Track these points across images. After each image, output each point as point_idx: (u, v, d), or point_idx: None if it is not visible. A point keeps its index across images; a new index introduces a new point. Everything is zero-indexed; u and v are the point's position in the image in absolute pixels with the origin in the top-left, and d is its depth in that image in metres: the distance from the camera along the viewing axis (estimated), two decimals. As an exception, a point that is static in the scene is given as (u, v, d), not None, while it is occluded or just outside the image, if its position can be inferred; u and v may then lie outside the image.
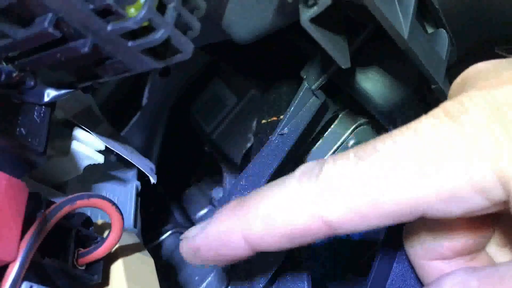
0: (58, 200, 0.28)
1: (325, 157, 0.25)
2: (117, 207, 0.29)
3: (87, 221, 0.31)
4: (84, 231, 0.30)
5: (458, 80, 0.26)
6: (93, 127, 0.36)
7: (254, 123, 0.51)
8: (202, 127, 0.56)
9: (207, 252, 0.26)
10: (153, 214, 0.51)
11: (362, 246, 0.45)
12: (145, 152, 0.53)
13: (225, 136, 0.54)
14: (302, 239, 0.24)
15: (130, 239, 0.34)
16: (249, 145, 0.52)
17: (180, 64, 0.56)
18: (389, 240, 0.32)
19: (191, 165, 0.61)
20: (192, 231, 0.27)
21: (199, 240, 0.26)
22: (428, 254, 0.27)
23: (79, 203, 0.28)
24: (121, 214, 0.29)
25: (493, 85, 0.22)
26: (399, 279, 0.33)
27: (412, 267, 0.30)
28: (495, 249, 0.28)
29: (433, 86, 0.30)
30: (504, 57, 0.33)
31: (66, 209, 0.27)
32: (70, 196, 0.28)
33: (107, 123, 0.39)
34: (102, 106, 0.51)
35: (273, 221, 0.24)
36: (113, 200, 0.36)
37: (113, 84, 0.53)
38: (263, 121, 0.44)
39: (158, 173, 0.42)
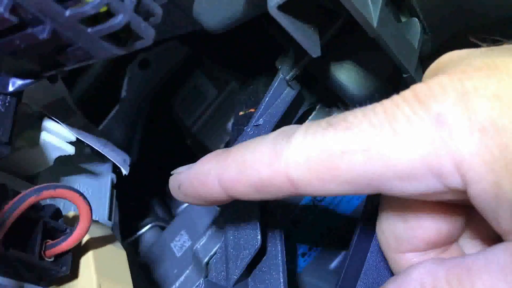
0: (26, 192, 0.27)
1: None
2: (84, 198, 0.29)
3: (57, 213, 0.31)
4: (53, 222, 0.29)
5: (433, 66, 0.26)
6: (65, 118, 0.35)
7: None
8: (183, 120, 0.56)
9: (188, 188, 0.29)
10: (133, 208, 0.51)
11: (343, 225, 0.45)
12: (125, 146, 0.53)
13: (205, 129, 0.54)
14: (268, 191, 0.26)
15: (103, 231, 0.34)
16: (228, 137, 0.51)
17: (160, 56, 0.56)
18: (363, 230, 0.32)
19: (173, 159, 0.60)
20: (180, 169, 0.30)
21: (182, 176, 0.29)
22: (400, 245, 0.27)
23: (45, 193, 0.27)
24: (89, 205, 0.29)
25: (463, 72, 0.22)
26: (373, 271, 0.33)
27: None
28: (466, 242, 0.28)
29: (404, 75, 0.30)
30: (478, 45, 0.33)
31: (30, 200, 0.27)
32: (35, 187, 0.27)
33: (81, 115, 0.39)
34: (80, 99, 0.50)
35: (244, 168, 0.26)
36: (85, 192, 0.36)
37: (92, 77, 0.52)
38: (241, 112, 0.44)
39: (138, 167, 0.41)
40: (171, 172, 0.31)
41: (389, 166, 0.22)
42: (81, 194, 0.29)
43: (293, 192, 0.25)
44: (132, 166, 0.42)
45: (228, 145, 0.51)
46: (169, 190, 0.54)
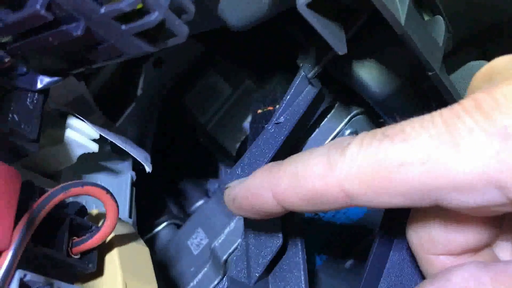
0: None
1: None
2: (111, 195, 0.29)
3: (82, 210, 0.31)
4: (79, 219, 0.30)
5: (483, 70, 0.25)
6: (86, 116, 0.35)
7: (249, 114, 0.50)
8: (197, 118, 0.56)
9: (242, 202, 0.29)
10: (148, 206, 0.51)
11: (361, 231, 0.45)
12: (139, 144, 0.52)
13: (220, 127, 0.54)
14: (322, 203, 0.25)
15: (125, 228, 0.34)
16: (244, 136, 0.51)
17: (174, 54, 0.55)
18: (386, 228, 0.32)
19: (186, 157, 0.60)
20: (234, 182, 0.30)
21: (237, 189, 0.29)
22: (435, 247, 0.27)
23: (73, 190, 0.27)
24: (116, 202, 0.29)
25: None
26: (396, 268, 0.33)
27: (411, 257, 0.30)
28: (500, 246, 0.28)
29: (429, 73, 0.30)
30: None
31: (59, 197, 0.27)
32: (63, 184, 0.27)
33: (100, 112, 0.39)
34: (96, 97, 0.50)
35: (298, 180, 0.26)
36: (107, 189, 0.36)
37: (107, 75, 0.52)
38: (259, 111, 0.44)
39: (153, 165, 0.41)
40: (225, 186, 0.31)
41: (448, 178, 0.21)
42: (108, 191, 0.29)
43: (347, 204, 0.25)
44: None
45: (244, 143, 0.51)
46: (183, 188, 0.55)
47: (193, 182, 0.57)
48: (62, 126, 0.33)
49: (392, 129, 0.23)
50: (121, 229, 0.33)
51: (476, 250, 0.27)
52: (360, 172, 0.23)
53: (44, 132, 0.33)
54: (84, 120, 0.34)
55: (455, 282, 0.23)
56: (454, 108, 0.22)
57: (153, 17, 0.22)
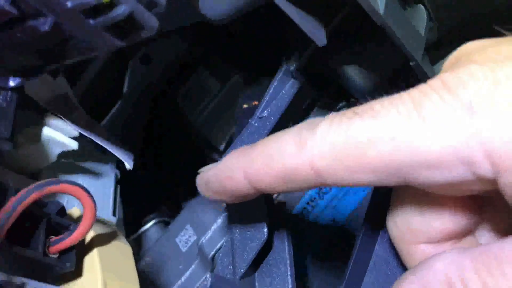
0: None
1: None
2: (88, 192, 0.28)
3: (61, 210, 0.30)
4: (57, 218, 0.29)
5: (455, 53, 0.26)
6: (67, 114, 0.35)
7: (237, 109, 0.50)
8: (187, 115, 0.55)
9: (215, 184, 0.29)
10: (136, 204, 0.51)
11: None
12: (128, 142, 0.52)
13: (208, 123, 0.53)
14: (294, 182, 0.25)
15: (107, 227, 0.33)
16: (232, 131, 0.51)
17: (161, 50, 0.55)
18: (370, 221, 0.32)
19: (176, 154, 0.60)
20: (207, 167, 0.30)
21: (210, 173, 0.29)
22: (415, 236, 0.27)
23: (48, 188, 0.27)
24: (93, 200, 0.28)
25: (493, 60, 0.22)
26: (382, 261, 0.33)
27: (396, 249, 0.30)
28: (482, 233, 0.27)
29: (411, 63, 0.29)
30: (502, 34, 0.32)
31: (34, 196, 0.26)
32: (38, 183, 0.27)
33: (83, 111, 0.38)
34: (83, 95, 0.50)
35: (269, 160, 0.26)
36: (89, 188, 0.36)
37: (93, 73, 0.52)
38: (245, 105, 0.43)
39: (141, 162, 0.41)
40: (198, 171, 0.31)
41: (417, 155, 0.22)
42: (85, 189, 0.28)
43: (319, 182, 0.25)
44: (135, 162, 0.42)
45: (232, 138, 0.50)
46: (174, 186, 0.54)
47: (182, 179, 0.57)
48: (40, 124, 0.33)
49: (362, 107, 0.24)
50: (102, 228, 0.32)
51: (457, 237, 0.27)
52: (330, 149, 0.24)
53: (22, 131, 0.33)
54: (64, 118, 0.33)
55: (437, 268, 0.23)
56: (422, 87, 0.23)
57: (121, 10, 0.21)
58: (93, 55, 0.25)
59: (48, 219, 0.29)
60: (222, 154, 0.52)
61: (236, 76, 0.54)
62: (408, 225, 0.27)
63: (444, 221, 0.26)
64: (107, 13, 0.22)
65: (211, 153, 0.54)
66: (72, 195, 0.28)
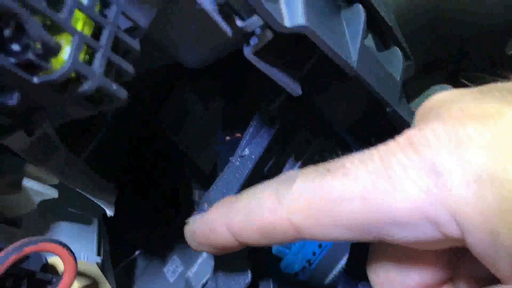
0: (11, 238, 0.27)
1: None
2: (68, 249, 0.28)
3: (43, 266, 0.30)
4: (39, 274, 0.29)
5: (424, 106, 0.26)
6: (47, 156, 0.35)
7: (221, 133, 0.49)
8: (170, 137, 0.55)
9: (200, 236, 0.29)
10: (124, 232, 0.51)
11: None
12: (107, 172, 0.52)
13: (192, 147, 0.53)
14: (274, 237, 0.26)
15: (90, 278, 0.33)
16: (216, 157, 0.51)
17: (143, 75, 0.54)
18: (350, 271, 0.32)
19: (166, 178, 0.60)
20: (193, 218, 0.31)
21: (195, 225, 0.30)
22: (394, 287, 0.27)
23: (26, 250, 0.27)
24: (74, 256, 0.28)
25: (456, 119, 0.22)
26: None
27: None
28: (460, 281, 0.28)
29: (387, 109, 0.29)
30: (467, 86, 0.32)
31: (12, 258, 0.26)
32: (16, 243, 0.27)
33: (64, 148, 0.38)
34: (62, 126, 0.49)
35: (250, 215, 0.26)
36: (72, 230, 0.36)
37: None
38: (227, 137, 0.43)
39: (130, 189, 0.41)
40: (186, 221, 0.31)
41: (386, 214, 0.22)
42: (65, 246, 0.28)
43: (297, 237, 0.25)
44: (122, 189, 0.41)
45: (216, 167, 0.50)
46: (161, 213, 0.54)
47: (169, 207, 0.57)
48: (20, 173, 0.33)
49: (334, 164, 0.24)
50: (85, 280, 0.32)
51: (437, 286, 0.27)
52: (305, 206, 0.24)
53: (2, 180, 0.33)
54: (43, 165, 0.33)
55: None
56: (389, 144, 0.23)
57: (87, 87, 0.21)
58: (67, 120, 0.25)
59: (30, 276, 0.29)
60: (208, 178, 0.52)
61: (220, 99, 0.53)
62: (387, 276, 0.27)
63: (421, 273, 0.26)
64: (76, 84, 0.22)
65: (196, 176, 0.54)
66: (53, 253, 0.28)
